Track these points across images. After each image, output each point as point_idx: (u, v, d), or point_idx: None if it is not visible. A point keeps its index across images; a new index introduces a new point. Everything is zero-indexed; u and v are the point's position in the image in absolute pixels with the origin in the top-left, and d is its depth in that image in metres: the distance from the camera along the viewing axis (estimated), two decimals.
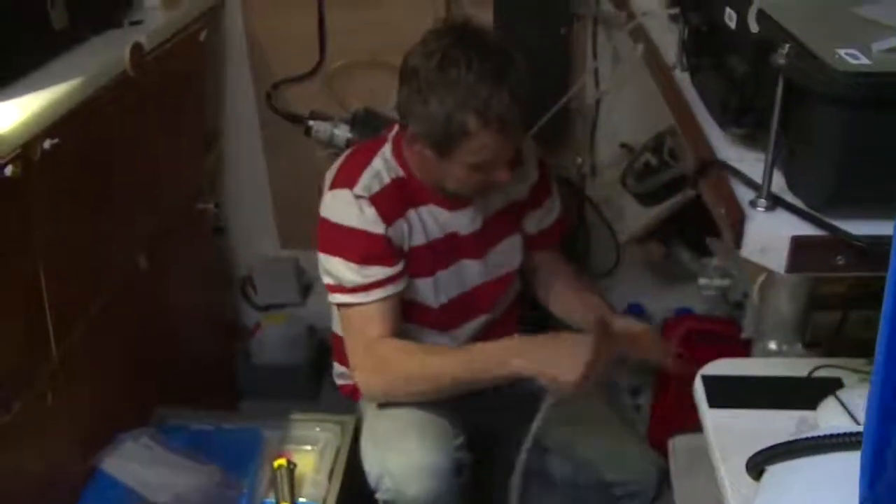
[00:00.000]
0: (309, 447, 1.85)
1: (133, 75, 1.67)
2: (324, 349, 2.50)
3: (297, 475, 1.74)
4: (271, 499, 1.69)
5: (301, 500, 1.71)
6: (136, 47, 1.68)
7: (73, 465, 1.61)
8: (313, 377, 2.43)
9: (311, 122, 2.15)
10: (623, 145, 2.26)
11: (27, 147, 1.34)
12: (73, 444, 1.61)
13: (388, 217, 1.59)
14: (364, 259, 1.59)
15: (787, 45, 0.83)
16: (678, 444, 1.34)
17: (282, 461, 1.73)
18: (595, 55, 2.17)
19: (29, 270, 1.43)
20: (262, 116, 2.29)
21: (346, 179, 1.63)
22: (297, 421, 1.90)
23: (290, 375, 2.39)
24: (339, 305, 1.66)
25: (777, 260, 0.87)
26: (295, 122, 2.22)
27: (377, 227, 1.59)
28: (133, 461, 1.61)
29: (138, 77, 1.68)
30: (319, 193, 2.24)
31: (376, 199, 1.59)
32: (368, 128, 2.14)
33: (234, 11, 2.21)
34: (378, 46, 2.16)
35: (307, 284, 2.53)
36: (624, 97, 2.21)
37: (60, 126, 1.42)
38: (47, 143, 1.39)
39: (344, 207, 1.61)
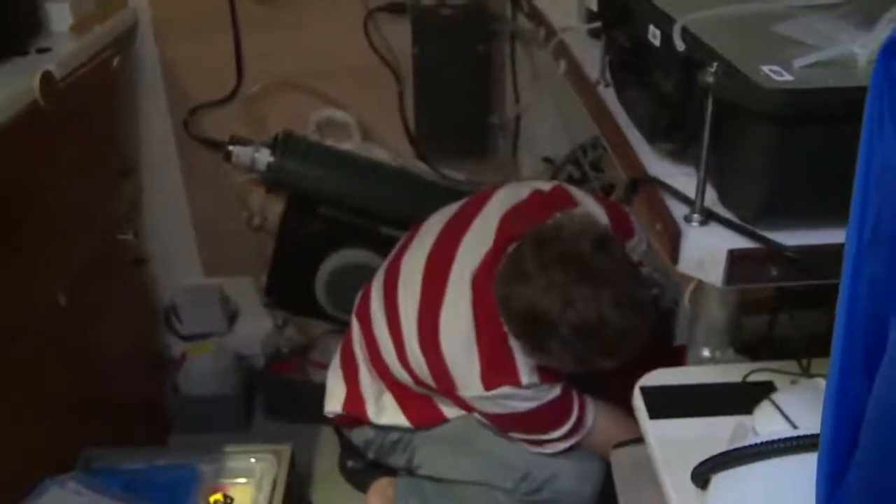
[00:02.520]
0: (244, 479, 1.82)
1: (43, 105, 1.61)
2: (253, 377, 2.46)
3: None
4: None
5: None
6: (46, 76, 1.63)
7: None
8: (244, 407, 2.39)
9: (231, 148, 2.11)
10: (545, 159, 2.28)
11: None
12: None
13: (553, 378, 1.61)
14: (566, 417, 1.63)
15: (715, 64, 0.85)
16: (620, 457, 1.35)
17: (218, 496, 1.70)
18: (514, 71, 2.19)
19: None
20: (179, 143, 2.25)
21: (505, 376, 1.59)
22: (231, 453, 1.86)
23: (220, 406, 2.35)
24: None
25: (714, 273, 0.89)
26: (214, 147, 2.18)
27: (555, 391, 1.61)
28: None
29: (49, 107, 1.63)
30: (249, 224, 2.22)
31: (540, 375, 1.59)
32: (290, 151, 2.12)
33: (147, 36, 2.17)
34: (296, 69, 2.15)
35: (233, 312, 2.50)
36: (544, 112, 2.24)
37: None
38: None
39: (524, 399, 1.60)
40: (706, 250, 0.89)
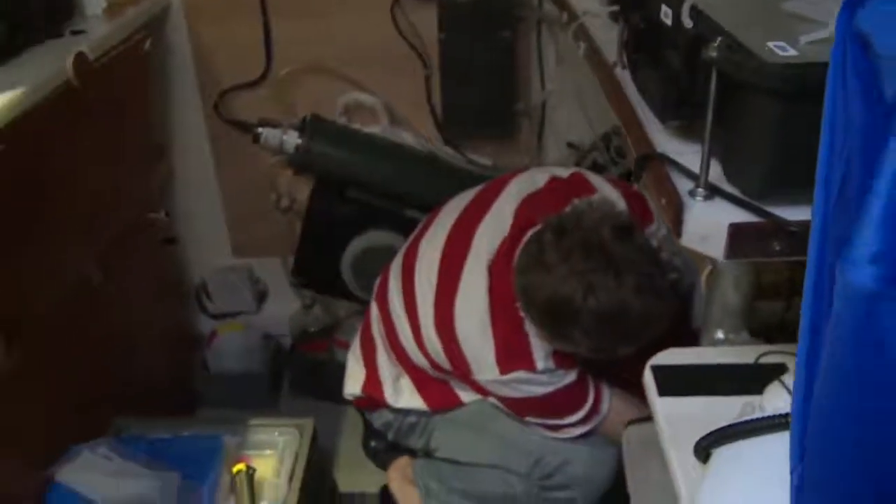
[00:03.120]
0: (268, 451, 1.85)
1: (77, 85, 1.66)
2: (280, 356, 2.51)
3: (257, 479, 1.75)
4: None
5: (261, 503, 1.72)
6: (80, 57, 1.67)
7: (28, 477, 1.60)
8: (270, 384, 2.43)
9: (259, 130, 2.15)
10: (570, 145, 2.29)
11: None
12: (29, 456, 1.59)
13: (569, 364, 1.62)
14: (581, 403, 1.65)
15: (720, 39, 0.86)
16: (631, 434, 1.37)
17: (241, 466, 1.73)
18: (540, 58, 2.20)
19: None
20: (209, 125, 2.29)
21: (520, 361, 1.61)
22: (255, 426, 1.91)
23: (247, 383, 2.39)
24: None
25: (716, 247, 0.90)
26: (244, 129, 2.22)
27: (570, 376, 1.62)
28: (91, 472, 1.60)
29: (82, 87, 1.67)
30: (277, 205, 2.26)
31: (556, 360, 1.61)
32: (317, 134, 2.16)
33: (178, 20, 2.21)
34: (324, 54, 2.18)
35: (261, 292, 2.54)
36: (569, 97, 2.25)
37: (3, 135, 1.41)
38: None
39: (539, 384, 1.62)
40: (709, 224, 0.91)
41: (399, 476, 2.00)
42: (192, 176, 2.38)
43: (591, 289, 1.43)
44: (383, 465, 2.10)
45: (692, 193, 0.93)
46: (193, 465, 1.72)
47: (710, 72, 0.87)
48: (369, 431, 2.16)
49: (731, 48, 0.86)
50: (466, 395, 1.76)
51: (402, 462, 2.00)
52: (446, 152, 2.26)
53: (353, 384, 1.89)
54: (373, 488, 2.11)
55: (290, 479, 1.79)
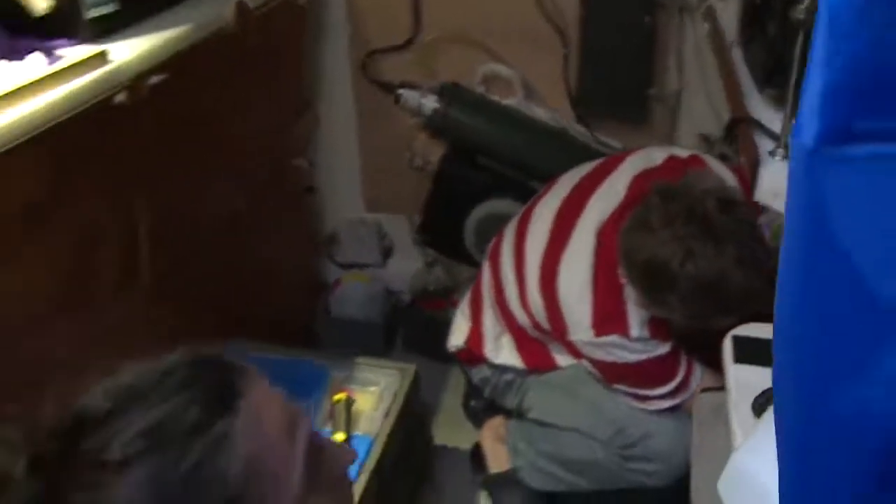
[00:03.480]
0: (371, 388, 1.97)
1: (236, 31, 1.81)
2: (398, 311, 2.63)
3: (355, 411, 1.87)
4: (329, 429, 1.81)
5: (356, 433, 1.83)
6: (240, 5, 1.83)
7: None
8: (385, 336, 2.55)
9: (400, 91, 2.28)
10: (701, 135, 2.29)
11: (137, 80, 1.50)
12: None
13: (663, 336, 1.68)
14: (671, 376, 1.70)
15: (808, 0, 0.89)
16: (703, 401, 1.40)
17: (342, 396, 1.86)
18: (679, 45, 2.21)
19: (127, 196, 1.59)
20: (355, 83, 2.42)
21: (615, 325, 1.67)
22: (362, 364, 2.03)
23: (364, 331, 2.51)
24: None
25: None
26: (386, 90, 2.34)
27: (663, 348, 1.68)
28: None
29: (240, 33, 1.82)
30: (410, 164, 2.39)
31: (650, 330, 1.67)
32: (455, 100, 2.26)
33: None
34: (469, 23, 2.26)
35: (388, 248, 2.66)
36: (705, 88, 2.25)
37: (167, 66, 1.56)
38: (155, 79, 1.55)
39: (631, 350, 1.68)
40: (782, 182, 0.94)
41: (492, 434, 2.08)
42: (335, 130, 2.51)
43: (690, 255, 1.46)
44: (479, 424, 2.19)
45: (771, 153, 0.97)
46: (298, 387, 1.84)
47: (796, 33, 0.91)
48: (470, 391, 2.26)
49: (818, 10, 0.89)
50: (562, 359, 1.82)
51: (496, 422, 2.08)
52: (577, 131, 2.31)
53: (458, 337, 1.98)
54: (466, 445, 2.20)
55: (386, 415, 1.89)
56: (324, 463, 0.77)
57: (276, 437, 0.73)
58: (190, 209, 1.83)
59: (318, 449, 0.77)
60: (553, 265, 1.72)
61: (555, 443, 1.86)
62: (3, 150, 1.24)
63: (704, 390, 1.46)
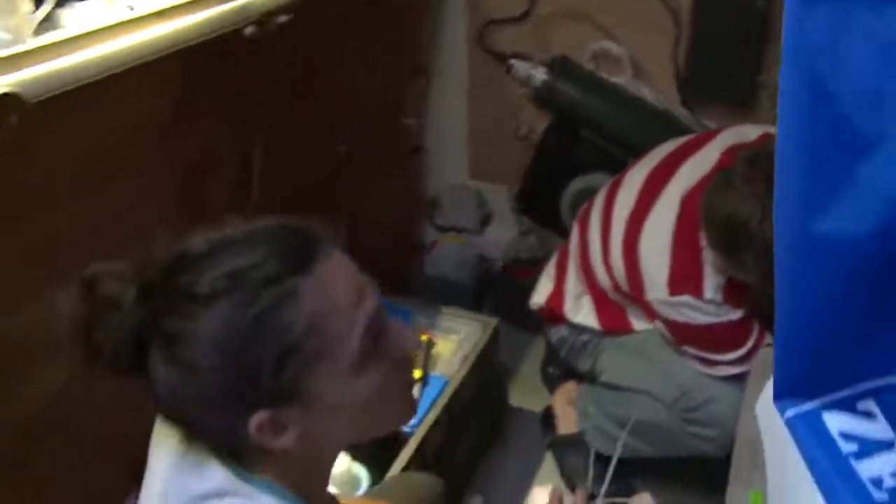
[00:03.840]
0: (452, 336, 2.06)
1: None
2: (489, 277, 2.71)
3: (434, 353, 1.97)
4: None
5: (433, 373, 1.93)
6: None
7: None
8: (474, 299, 2.63)
9: (512, 61, 2.35)
10: None
11: (267, 16, 1.62)
12: None
13: (736, 302, 1.72)
14: (742, 342, 1.73)
15: None
16: (761, 356, 1.42)
17: (424, 337, 1.96)
18: None
19: (245, 125, 1.72)
20: (470, 50, 2.51)
21: (690, 286, 1.71)
22: (446, 314, 2.13)
23: (455, 292, 2.59)
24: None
25: None
26: (499, 60, 2.42)
27: (735, 313, 1.72)
28: None
29: None
30: (515, 133, 2.47)
31: (724, 295, 1.70)
32: (563, 74, 2.33)
33: None
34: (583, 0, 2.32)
35: (486, 215, 2.74)
36: None
37: (296, 7, 1.66)
38: (283, 18, 1.67)
39: (703, 313, 1.72)
40: None
41: (564, 398, 2.15)
42: (446, 95, 2.61)
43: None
44: (554, 391, 2.25)
45: None
46: None
47: None
48: (549, 358, 2.33)
49: None
50: (638, 323, 1.88)
51: (569, 386, 2.15)
52: (681, 113, 2.34)
53: (540, 295, 2.05)
54: (539, 408, 2.26)
55: (464, 361, 1.98)
56: (385, 339, 0.85)
57: (342, 304, 0.81)
58: (301, 150, 1.95)
59: (381, 326, 0.85)
60: (637, 226, 1.77)
61: (622, 406, 1.91)
62: (140, 63, 1.38)
63: (768, 346, 1.49)
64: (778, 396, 0.58)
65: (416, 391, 1.86)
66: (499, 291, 2.66)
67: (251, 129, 1.75)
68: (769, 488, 0.92)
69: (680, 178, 1.76)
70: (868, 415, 0.55)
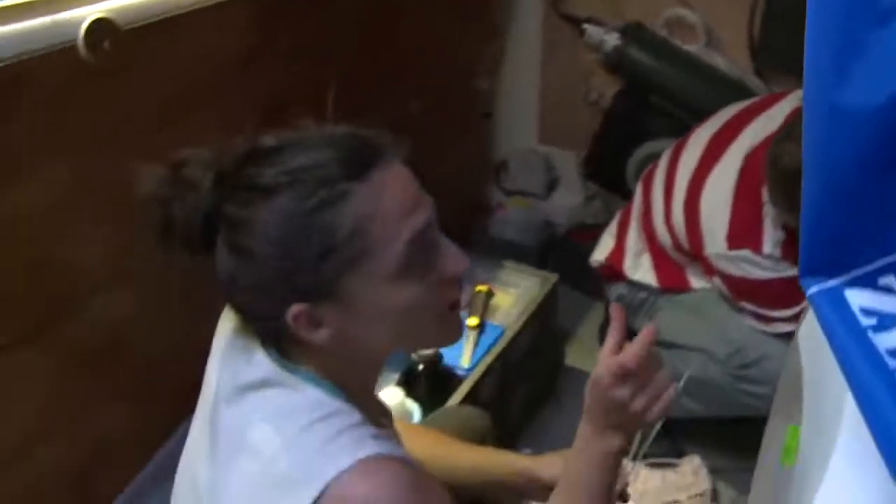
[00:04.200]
0: (511, 289, 2.10)
1: None
2: (552, 242, 2.73)
3: (493, 303, 2.01)
4: (465, 313, 1.96)
5: (490, 321, 1.97)
6: None
7: None
8: (538, 261, 2.66)
9: (585, 26, 2.38)
10: None
11: None
12: None
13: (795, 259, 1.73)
14: (799, 299, 1.69)
15: None
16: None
17: (483, 287, 2.01)
18: None
19: (320, 67, 1.78)
20: (546, 15, 2.54)
21: (749, 240, 1.72)
22: (507, 268, 2.17)
23: (518, 254, 2.62)
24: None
25: None
26: (573, 24, 2.45)
27: (794, 270, 1.73)
28: None
29: None
30: (585, 98, 2.48)
31: (783, 251, 1.71)
32: (636, 40, 2.34)
33: None
34: None
35: (552, 181, 2.77)
36: None
37: None
38: None
39: (761, 268, 1.73)
40: None
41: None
42: (519, 60, 2.64)
43: None
44: None
45: None
46: None
47: None
48: (607, 320, 2.34)
49: None
50: (696, 281, 1.89)
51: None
52: (754, 82, 2.33)
53: (601, 252, 2.08)
54: (591, 369, 2.28)
55: (521, 312, 2.02)
56: (433, 255, 0.88)
57: (390, 212, 0.84)
58: (373, 102, 1.99)
59: (429, 241, 0.88)
60: (700, 182, 1.79)
61: (675, 364, 1.92)
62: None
63: None
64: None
65: (468, 334, 1.91)
66: (561, 255, 2.68)
67: (324, 75, 1.81)
68: (804, 415, 0.94)
69: (745, 138, 1.77)
70: (888, 290, 0.57)
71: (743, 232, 1.69)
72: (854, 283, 0.59)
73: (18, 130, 1.24)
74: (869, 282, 0.59)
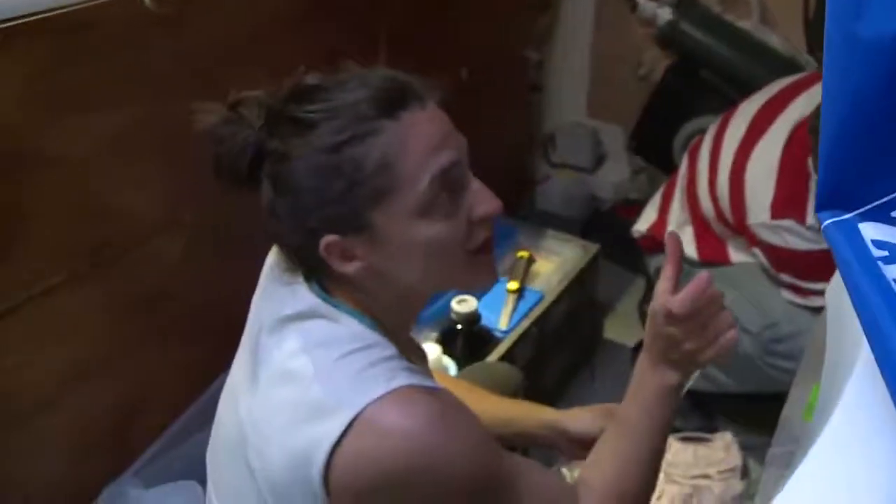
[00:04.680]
0: (553, 257, 2.13)
1: None
2: (597, 217, 2.75)
3: (534, 270, 2.04)
4: (505, 278, 1.99)
5: (530, 287, 2.00)
6: None
7: None
8: (583, 235, 2.67)
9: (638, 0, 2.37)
10: None
11: None
12: None
13: None
14: None
15: None
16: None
17: (524, 253, 2.03)
18: None
19: (369, 25, 1.82)
20: None
21: (793, 210, 1.72)
22: (550, 237, 2.19)
23: (564, 226, 2.63)
24: None
25: None
26: None
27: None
28: None
29: None
30: (636, 72, 2.48)
31: None
32: (689, 15, 2.33)
33: None
34: None
35: (601, 155, 2.77)
36: None
37: None
38: None
39: (803, 239, 1.73)
40: None
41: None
42: (571, 33, 2.65)
43: None
44: None
45: None
46: None
47: None
48: (647, 296, 2.36)
49: None
50: (736, 255, 1.90)
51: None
52: (806, 60, 2.31)
53: (643, 223, 2.10)
54: (631, 343, 2.30)
55: (561, 280, 2.05)
56: (462, 195, 0.90)
57: (417, 150, 0.87)
58: (422, 66, 2.02)
59: (458, 181, 0.90)
60: (746, 152, 1.79)
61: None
62: None
63: None
64: (819, 208, 0.62)
65: (507, 298, 1.93)
66: (605, 229, 2.69)
67: (375, 37, 1.85)
68: (824, 370, 0.94)
69: (792, 110, 1.77)
70: None
71: (787, 202, 1.69)
72: (867, 216, 0.60)
73: (84, 74, 1.29)
74: (882, 215, 0.60)
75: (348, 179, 0.86)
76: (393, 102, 0.88)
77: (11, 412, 1.34)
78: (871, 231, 0.60)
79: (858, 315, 0.60)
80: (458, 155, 0.90)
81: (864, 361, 0.70)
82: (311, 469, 0.83)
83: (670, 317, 0.96)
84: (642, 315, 2.39)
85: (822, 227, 0.62)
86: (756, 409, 1.99)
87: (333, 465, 0.83)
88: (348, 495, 0.84)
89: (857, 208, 0.61)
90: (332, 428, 0.83)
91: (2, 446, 1.34)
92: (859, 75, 0.57)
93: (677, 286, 0.98)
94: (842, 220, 0.61)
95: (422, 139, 0.87)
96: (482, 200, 0.92)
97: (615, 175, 2.73)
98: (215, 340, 1.11)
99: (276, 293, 0.96)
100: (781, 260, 1.76)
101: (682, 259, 1.02)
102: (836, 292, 0.98)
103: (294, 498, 0.87)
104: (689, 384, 1.10)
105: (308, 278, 0.94)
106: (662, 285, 0.99)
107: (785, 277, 1.77)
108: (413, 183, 0.87)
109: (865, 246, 0.59)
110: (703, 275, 0.97)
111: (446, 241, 0.90)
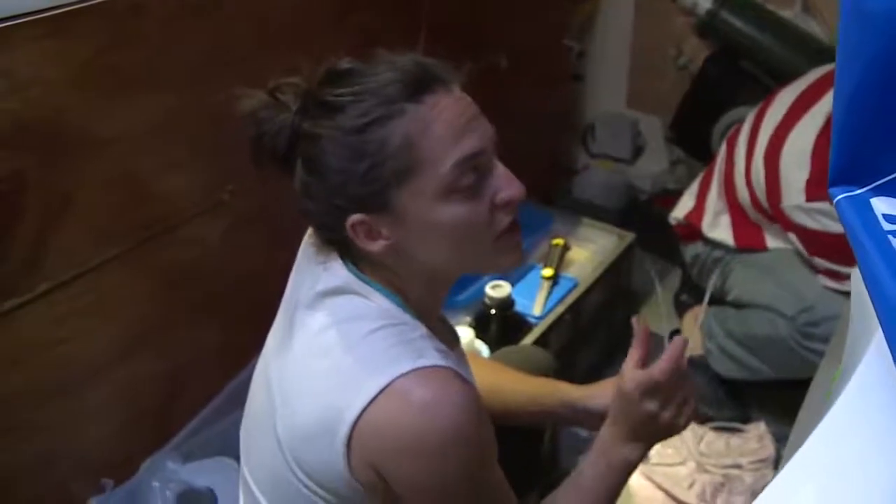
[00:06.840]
0: (588, 244, 2.14)
1: None
2: (635, 206, 2.74)
3: (568, 257, 2.06)
4: (540, 265, 2.02)
5: (564, 274, 2.02)
6: None
7: None
8: (620, 225, 2.68)
9: None
10: None
11: None
12: None
13: None
14: None
15: None
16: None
17: (559, 241, 2.05)
18: None
19: (406, 26, 1.84)
20: None
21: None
22: (585, 224, 2.21)
23: (601, 216, 2.65)
24: None
25: None
26: None
27: None
28: None
29: None
30: (675, 62, 2.48)
31: None
32: (729, 4, 2.32)
33: None
34: None
35: (639, 147, 2.77)
36: None
37: None
38: None
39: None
40: None
41: (692, 319, 2.19)
42: (611, 23, 2.65)
43: None
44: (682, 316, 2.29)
45: None
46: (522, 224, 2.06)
47: None
48: (683, 286, 2.36)
49: None
50: (772, 241, 1.90)
51: (698, 308, 2.19)
52: None
53: (680, 211, 2.11)
54: (666, 332, 2.30)
55: (595, 267, 2.06)
56: (486, 180, 0.93)
57: (439, 134, 0.89)
58: (461, 54, 2.05)
59: (482, 165, 0.92)
60: (782, 136, 1.80)
61: (744, 323, 1.94)
62: None
63: None
64: (832, 183, 0.64)
65: (542, 284, 1.95)
66: (643, 220, 2.69)
67: (416, 24, 1.87)
68: (846, 350, 0.94)
69: (831, 96, 1.76)
70: None
71: (822, 184, 1.68)
72: (879, 190, 0.62)
73: (133, 56, 1.34)
74: (893, 190, 0.62)
75: (372, 159, 0.89)
76: (418, 86, 0.91)
77: (60, 384, 1.40)
78: (882, 206, 0.62)
79: (868, 291, 0.61)
80: (481, 143, 0.92)
81: (877, 343, 0.71)
82: (340, 426, 0.88)
83: (651, 388, 1.03)
84: (678, 305, 2.40)
85: (835, 202, 0.63)
86: (791, 398, 1.99)
87: (359, 427, 0.88)
88: (366, 452, 0.89)
89: (869, 183, 0.62)
90: (363, 393, 0.87)
91: (51, 417, 1.40)
92: (869, 49, 0.58)
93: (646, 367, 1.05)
94: (854, 196, 0.62)
95: (445, 123, 0.90)
96: (506, 185, 0.94)
97: (654, 166, 2.73)
98: (254, 320, 1.14)
99: (312, 270, 1.00)
100: (815, 244, 1.76)
101: (649, 342, 1.10)
102: (858, 278, 0.98)
103: (313, 453, 0.92)
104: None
105: (342, 256, 0.98)
106: (630, 364, 1.06)
107: (820, 262, 1.77)
108: (435, 165, 0.90)
109: (877, 220, 0.61)
110: (677, 339, 1.06)
111: (469, 224, 0.93)
